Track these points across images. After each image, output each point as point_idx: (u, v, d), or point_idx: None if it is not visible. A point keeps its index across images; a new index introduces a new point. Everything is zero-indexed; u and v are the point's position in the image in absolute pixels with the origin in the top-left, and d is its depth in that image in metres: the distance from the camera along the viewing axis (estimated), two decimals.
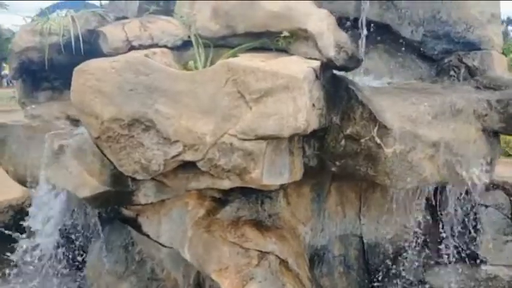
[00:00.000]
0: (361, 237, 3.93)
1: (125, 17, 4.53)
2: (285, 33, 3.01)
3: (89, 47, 4.20)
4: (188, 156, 2.99)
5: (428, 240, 3.70)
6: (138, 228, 3.90)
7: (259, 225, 3.51)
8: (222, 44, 3.40)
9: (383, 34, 4.11)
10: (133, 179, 3.36)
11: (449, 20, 4.07)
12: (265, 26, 3.10)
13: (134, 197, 3.52)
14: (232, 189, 3.35)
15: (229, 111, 2.89)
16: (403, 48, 4.10)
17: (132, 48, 3.49)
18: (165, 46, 3.52)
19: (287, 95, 2.79)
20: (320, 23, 2.96)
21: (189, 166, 3.14)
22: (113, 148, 3.13)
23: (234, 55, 3.28)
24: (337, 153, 3.04)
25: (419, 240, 3.58)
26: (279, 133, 2.82)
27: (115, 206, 3.65)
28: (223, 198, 3.58)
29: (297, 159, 3.17)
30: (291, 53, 3.13)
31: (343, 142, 3.00)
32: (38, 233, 3.66)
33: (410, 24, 4.10)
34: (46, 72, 4.37)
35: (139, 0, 4.48)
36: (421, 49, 4.11)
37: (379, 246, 3.90)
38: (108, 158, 3.22)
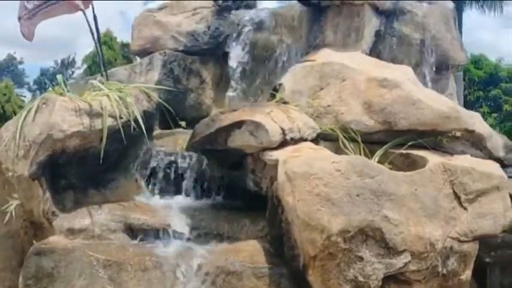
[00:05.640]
0: None
1: None
2: (457, 134, 3.12)
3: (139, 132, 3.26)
4: (413, 266, 2.68)
5: None
6: None
7: None
8: (365, 139, 3.22)
9: None
10: None
11: None
12: (433, 124, 3.13)
13: None
14: None
15: (449, 213, 2.79)
16: None
17: (285, 141, 2.92)
18: (306, 139, 3.09)
19: (497, 194, 2.90)
20: (485, 125, 3.21)
21: None
22: (326, 267, 2.54)
23: (386, 151, 3.17)
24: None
25: None
26: (494, 232, 2.87)
27: None
28: None
29: None
30: (444, 150, 3.23)
31: None
32: None
33: None
34: (70, 167, 3.10)
35: None
36: None
37: None
38: (304, 279, 2.56)
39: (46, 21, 3.76)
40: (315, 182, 2.48)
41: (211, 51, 4.25)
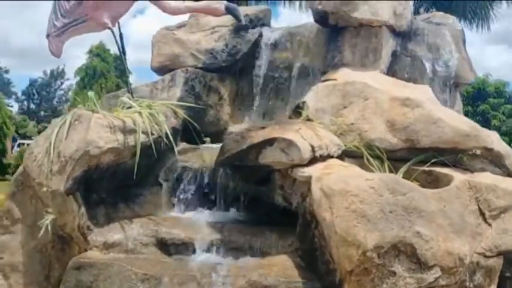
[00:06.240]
0: None
1: None
2: (477, 152, 3.24)
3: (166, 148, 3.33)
4: (443, 281, 2.76)
5: None
6: None
7: None
8: (388, 156, 3.32)
9: None
10: None
11: None
12: (454, 142, 3.25)
13: None
14: None
15: (475, 229, 2.88)
16: None
17: (314, 158, 3.00)
18: (332, 156, 3.17)
19: None
20: (503, 143, 3.33)
21: None
22: (361, 282, 2.61)
23: (409, 168, 3.27)
24: None
25: None
26: None
27: None
28: None
29: None
30: (464, 167, 3.33)
31: None
32: None
33: None
34: (101, 182, 3.14)
35: None
36: None
37: None
38: None
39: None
40: (351, 198, 2.56)
41: (228, 68, 4.36)
